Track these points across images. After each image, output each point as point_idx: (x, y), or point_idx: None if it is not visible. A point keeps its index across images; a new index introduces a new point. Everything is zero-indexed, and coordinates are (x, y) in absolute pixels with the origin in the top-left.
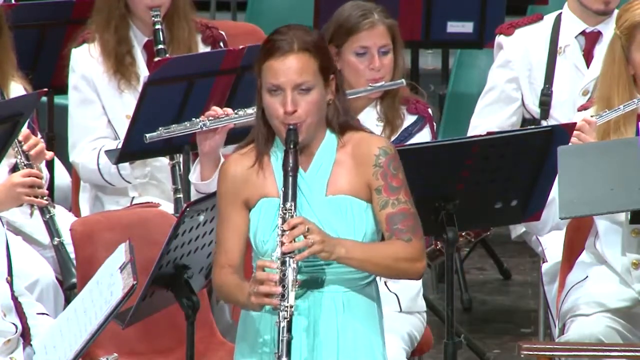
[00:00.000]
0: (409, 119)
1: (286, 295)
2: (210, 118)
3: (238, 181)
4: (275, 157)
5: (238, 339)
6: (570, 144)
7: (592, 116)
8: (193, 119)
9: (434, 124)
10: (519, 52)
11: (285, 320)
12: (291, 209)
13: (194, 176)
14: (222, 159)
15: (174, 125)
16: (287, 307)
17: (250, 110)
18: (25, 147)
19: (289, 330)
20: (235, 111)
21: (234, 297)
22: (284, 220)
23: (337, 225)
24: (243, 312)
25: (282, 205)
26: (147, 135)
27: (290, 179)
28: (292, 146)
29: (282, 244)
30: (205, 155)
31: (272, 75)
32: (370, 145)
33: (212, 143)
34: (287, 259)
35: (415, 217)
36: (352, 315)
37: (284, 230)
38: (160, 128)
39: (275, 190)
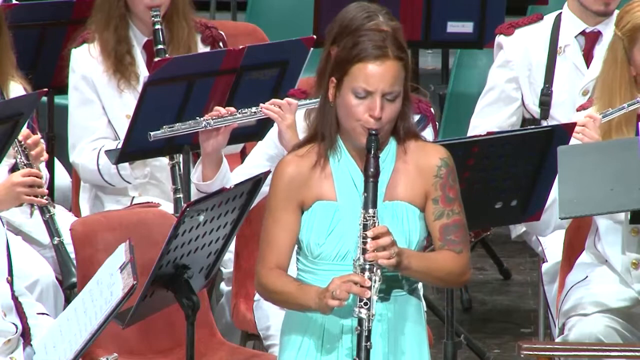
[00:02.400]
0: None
1: (370, 304)
2: (214, 117)
3: (295, 184)
4: (334, 160)
5: (283, 337)
6: (573, 140)
7: (597, 113)
8: (197, 117)
9: (437, 123)
10: (518, 52)
11: (368, 328)
12: (374, 216)
13: (195, 176)
14: (224, 159)
15: (178, 124)
16: (370, 315)
17: (254, 109)
18: (25, 144)
19: (369, 338)
20: (239, 110)
21: (292, 299)
22: (365, 227)
23: (392, 231)
24: (287, 313)
25: (363, 211)
26: (152, 133)
27: (372, 184)
28: (373, 151)
29: (364, 251)
30: (207, 156)
31: (364, 80)
32: (432, 155)
33: (214, 143)
34: (370, 266)
35: (466, 228)
36: (401, 315)
37: (366, 237)
38: (164, 127)
39: (331, 194)
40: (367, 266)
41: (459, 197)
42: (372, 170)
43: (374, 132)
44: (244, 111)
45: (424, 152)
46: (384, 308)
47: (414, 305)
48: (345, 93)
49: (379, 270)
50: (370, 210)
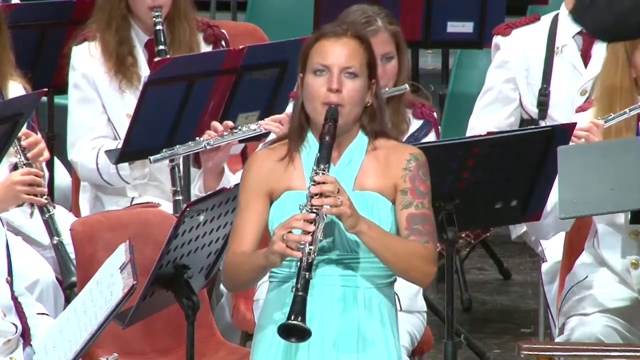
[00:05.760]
0: (415, 124)
1: (313, 239)
2: (216, 137)
3: (263, 173)
4: (306, 153)
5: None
6: (574, 144)
7: (599, 119)
8: (197, 138)
9: (439, 126)
10: (516, 52)
11: (307, 261)
12: (324, 170)
13: (196, 188)
14: (226, 169)
15: (177, 146)
16: (312, 249)
17: (253, 126)
18: (24, 144)
19: (309, 269)
20: (239, 127)
21: (246, 267)
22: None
23: None
24: (263, 305)
25: (315, 167)
26: (152, 157)
27: (326, 145)
28: (331, 122)
29: (312, 196)
30: (208, 170)
31: (321, 55)
32: (401, 151)
33: (216, 160)
34: (315, 211)
35: (434, 225)
36: (372, 311)
37: (315, 183)
38: (163, 150)
39: (301, 184)
40: (314, 211)
41: (430, 194)
42: (328, 136)
43: (332, 105)
44: (243, 128)
45: (395, 149)
46: (342, 296)
47: (381, 302)
48: (307, 77)
49: (324, 214)
50: (322, 165)
